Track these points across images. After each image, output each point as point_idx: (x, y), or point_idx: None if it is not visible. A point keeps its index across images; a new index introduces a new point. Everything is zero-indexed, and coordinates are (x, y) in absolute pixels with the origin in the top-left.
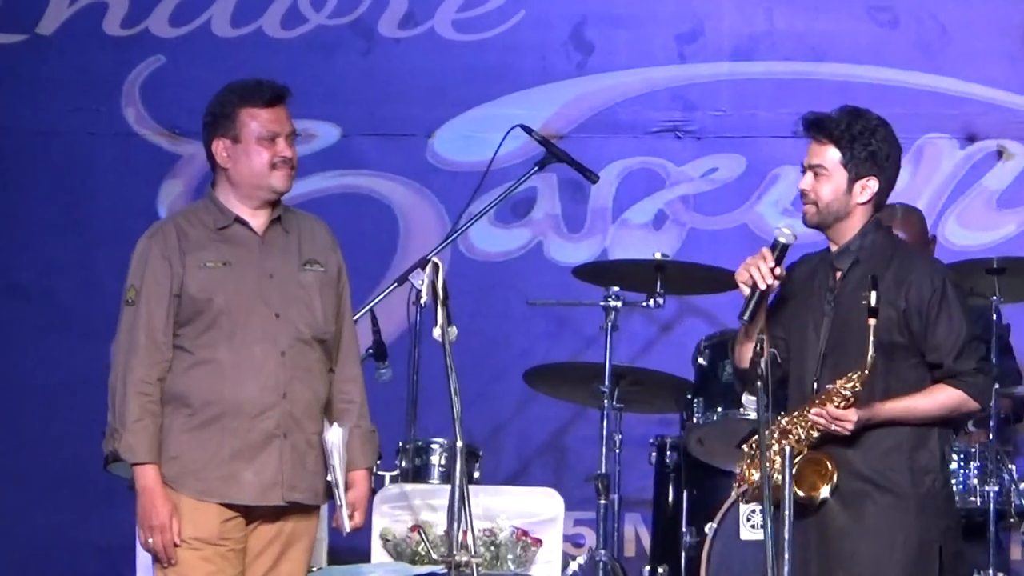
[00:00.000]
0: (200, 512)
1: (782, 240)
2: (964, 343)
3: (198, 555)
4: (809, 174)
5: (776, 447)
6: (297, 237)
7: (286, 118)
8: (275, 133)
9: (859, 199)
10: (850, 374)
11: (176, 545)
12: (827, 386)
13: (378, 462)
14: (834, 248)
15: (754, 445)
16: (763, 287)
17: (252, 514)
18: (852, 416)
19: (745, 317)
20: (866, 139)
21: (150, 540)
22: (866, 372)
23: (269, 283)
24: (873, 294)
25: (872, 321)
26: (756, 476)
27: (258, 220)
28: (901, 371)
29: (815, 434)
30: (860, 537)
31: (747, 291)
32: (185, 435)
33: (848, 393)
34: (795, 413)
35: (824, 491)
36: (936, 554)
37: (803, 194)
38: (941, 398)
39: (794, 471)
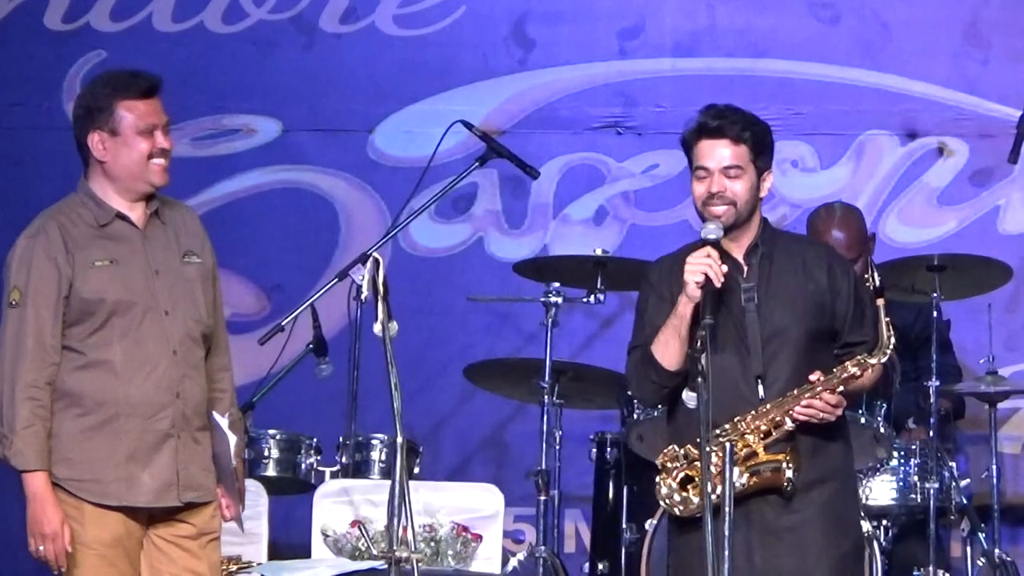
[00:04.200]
0: (105, 516)
1: (712, 237)
2: (872, 316)
3: (104, 561)
4: (720, 177)
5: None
6: (173, 229)
7: (162, 109)
8: (153, 125)
9: (762, 194)
10: (859, 357)
11: (68, 552)
12: (842, 366)
13: (318, 458)
14: (729, 247)
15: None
16: (718, 284)
17: (150, 516)
18: (843, 401)
19: (709, 316)
20: (763, 135)
21: (41, 548)
22: (885, 350)
23: (156, 280)
24: (876, 275)
25: (880, 301)
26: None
27: (136, 214)
28: (821, 357)
29: (789, 427)
30: (806, 535)
31: (698, 293)
32: (77, 436)
33: (857, 371)
34: (762, 410)
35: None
36: (865, 548)
37: (717, 196)
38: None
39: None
